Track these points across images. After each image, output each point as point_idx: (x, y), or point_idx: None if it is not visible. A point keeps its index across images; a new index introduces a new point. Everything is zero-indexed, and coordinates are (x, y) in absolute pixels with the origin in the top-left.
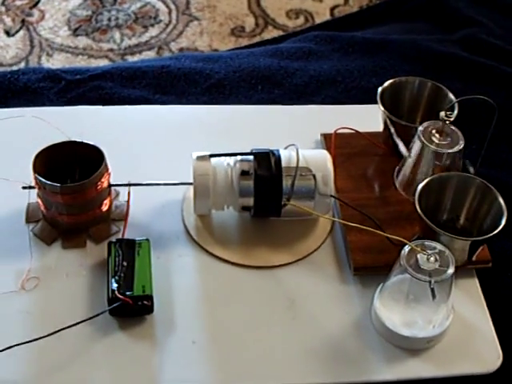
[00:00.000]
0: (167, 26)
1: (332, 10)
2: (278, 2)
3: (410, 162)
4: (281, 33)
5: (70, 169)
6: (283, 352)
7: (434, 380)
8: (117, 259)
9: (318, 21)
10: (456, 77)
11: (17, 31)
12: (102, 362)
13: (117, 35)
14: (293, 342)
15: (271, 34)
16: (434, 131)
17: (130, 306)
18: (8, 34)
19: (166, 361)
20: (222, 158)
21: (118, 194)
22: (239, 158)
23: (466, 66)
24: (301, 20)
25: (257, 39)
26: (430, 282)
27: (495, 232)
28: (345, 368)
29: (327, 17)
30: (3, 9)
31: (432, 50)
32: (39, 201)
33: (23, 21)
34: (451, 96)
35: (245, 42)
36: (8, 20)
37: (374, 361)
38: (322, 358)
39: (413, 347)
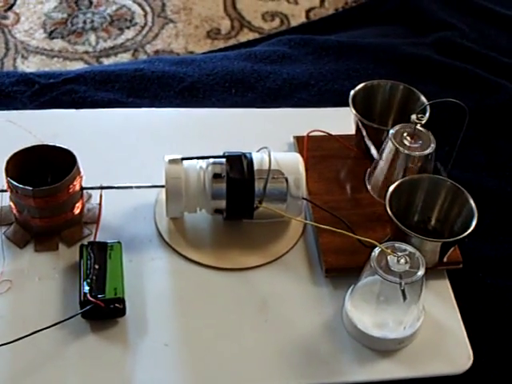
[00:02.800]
0: (143, 28)
1: (308, 12)
2: (253, 5)
3: (381, 165)
4: (256, 35)
5: (43, 172)
6: (255, 354)
7: (405, 381)
8: (89, 262)
9: (293, 23)
10: (430, 80)
11: None
12: (74, 365)
13: (92, 38)
14: (265, 344)
15: (247, 36)
16: (405, 134)
17: (101, 309)
18: None
19: (139, 363)
20: (195, 161)
21: (90, 197)
22: (211, 160)
23: (440, 69)
24: (276, 22)
25: (232, 41)
26: (400, 283)
27: (465, 234)
28: (316, 369)
29: (303, 19)
30: None
31: (406, 54)
32: (12, 204)
33: None
34: (423, 99)
35: (220, 44)
36: None
37: (346, 362)
38: (294, 359)
39: (384, 348)
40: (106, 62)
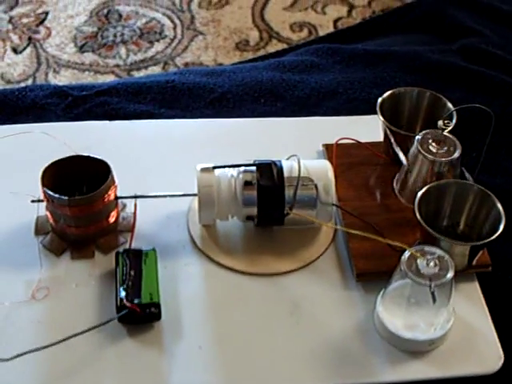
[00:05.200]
0: (172, 41)
1: (335, 22)
2: (281, 16)
3: (409, 171)
4: (285, 46)
5: (78, 182)
6: (288, 356)
7: (436, 381)
8: (124, 268)
9: (321, 33)
10: (456, 86)
11: (24, 48)
12: (111, 369)
13: (123, 51)
14: (297, 347)
15: (275, 47)
16: (431, 140)
17: (137, 314)
18: (15, 51)
19: (174, 366)
20: (226, 170)
21: (124, 206)
22: (242, 169)
23: (466, 75)
24: (304, 33)
25: (261, 53)
26: (430, 286)
27: (494, 237)
28: (348, 370)
29: (330, 29)
30: (10, 26)
31: (432, 61)
32: (48, 214)
33: (30, 38)
34: (450, 105)
35: (249, 55)
36: (15, 37)
37: (377, 363)
38: (327, 361)
39: (415, 349)
40: (137, 74)
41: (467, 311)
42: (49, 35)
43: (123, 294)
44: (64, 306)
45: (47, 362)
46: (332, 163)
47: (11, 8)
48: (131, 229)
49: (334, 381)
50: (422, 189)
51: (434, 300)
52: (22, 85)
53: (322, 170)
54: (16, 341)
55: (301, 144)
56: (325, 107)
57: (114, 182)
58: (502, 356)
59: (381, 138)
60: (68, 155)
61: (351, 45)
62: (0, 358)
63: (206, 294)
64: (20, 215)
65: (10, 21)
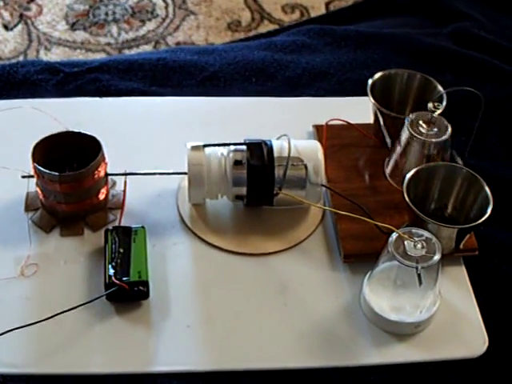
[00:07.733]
0: (164, 20)
1: (327, 4)
2: None
3: (398, 153)
4: (276, 27)
5: (68, 159)
6: (274, 336)
7: (422, 364)
8: (113, 246)
9: (313, 15)
10: (447, 70)
11: (15, 25)
12: (98, 346)
13: (114, 29)
14: (284, 327)
15: (267, 28)
16: (421, 122)
17: (126, 291)
18: (6, 28)
19: (161, 344)
20: (216, 148)
21: (114, 184)
22: (232, 148)
23: (457, 59)
24: (296, 14)
25: (253, 34)
26: (416, 268)
27: (481, 220)
28: (334, 352)
29: (322, 11)
30: (1, 3)
31: (423, 44)
32: (38, 190)
33: (21, 15)
34: (440, 88)
35: (241, 36)
36: (6, 14)
37: (363, 345)
38: (313, 342)
39: (401, 332)
40: (128, 53)
41: (453, 295)
42: (40, 12)
43: (112, 271)
44: (53, 283)
45: (35, 339)
46: (322, 144)
47: None
48: (121, 206)
49: (319, 362)
50: (411, 171)
51: (420, 282)
52: (14, 61)
53: (312, 150)
54: (4, 317)
55: (291, 124)
56: (316, 88)
57: (104, 158)
58: (487, 340)
59: (371, 120)
60: (59, 131)
61: (343, 26)
62: None
63: (195, 273)
64: (10, 191)
65: None
